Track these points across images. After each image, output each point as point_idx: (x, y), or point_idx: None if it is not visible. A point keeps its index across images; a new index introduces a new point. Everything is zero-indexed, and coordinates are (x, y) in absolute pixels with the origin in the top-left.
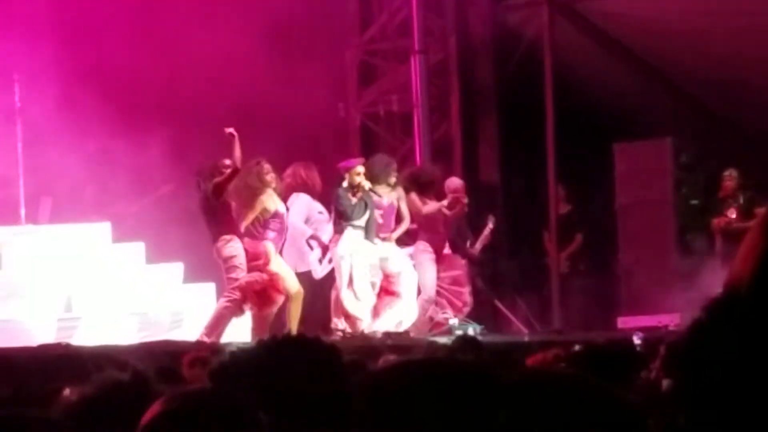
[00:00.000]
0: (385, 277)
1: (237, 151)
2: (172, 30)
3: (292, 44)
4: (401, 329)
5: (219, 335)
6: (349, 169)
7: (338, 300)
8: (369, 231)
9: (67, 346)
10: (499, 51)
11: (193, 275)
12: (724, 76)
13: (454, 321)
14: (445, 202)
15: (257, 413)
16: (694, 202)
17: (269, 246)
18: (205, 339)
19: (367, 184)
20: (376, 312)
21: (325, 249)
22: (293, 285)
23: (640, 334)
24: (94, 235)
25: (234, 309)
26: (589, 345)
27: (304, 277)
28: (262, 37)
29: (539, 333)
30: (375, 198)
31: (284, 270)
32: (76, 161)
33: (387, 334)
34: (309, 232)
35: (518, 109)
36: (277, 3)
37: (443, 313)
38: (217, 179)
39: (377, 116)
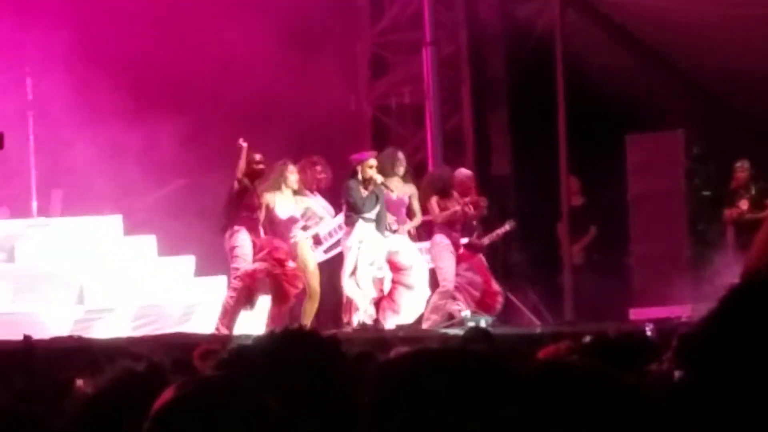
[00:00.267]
0: (398, 270)
1: (242, 162)
2: (183, 24)
3: (304, 37)
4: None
5: (230, 326)
6: (361, 162)
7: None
8: (380, 224)
9: (79, 338)
10: (510, 42)
11: (204, 268)
12: (736, 68)
13: (466, 312)
14: (459, 207)
15: (266, 399)
16: (706, 193)
17: (294, 245)
18: (218, 331)
19: (379, 178)
20: (396, 309)
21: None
22: (314, 286)
23: (651, 326)
24: (106, 227)
25: (240, 299)
26: (600, 336)
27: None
28: (274, 30)
29: (551, 325)
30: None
31: (309, 270)
32: (87, 154)
33: (399, 327)
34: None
35: (529, 100)
36: None
37: (456, 304)
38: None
39: (389, 108)
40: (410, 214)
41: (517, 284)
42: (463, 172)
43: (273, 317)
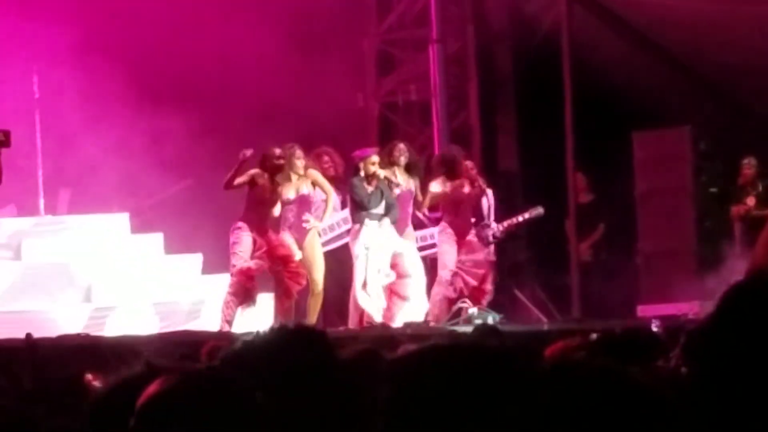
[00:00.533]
0: (397, 277)
1: (233, 173)
2: (191, 22)
3: (311, 34)
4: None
5: (229, 323)
6: (363, 159)
7: (355, 296)
8: (391, 215)
9: (87, 336)
10: (517, 39)
11: (211, 266)
12: (743, 64)
13: (473, 310)
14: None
15: (254, 393)
16: (713, 189)
17: (287, 237)
18: (222, 329)
19: (381, 173)
20: (390, 318)
21: None
22: (318, 279)
23: (658, 322)
24: (113, 225)
25: (235, 295)
26: (607, 333)
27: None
28: (281, 28)
29: (559, 322)
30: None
31: (315, 265)
32: (94, 152)
33: (407, 324)
34: None
35: (537, 97)
36: None
37: (462, 302)
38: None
39: (396, 106)
40: (417, 205)
41: (525, 281)
42: (466, 164)
43: (280, 312)
